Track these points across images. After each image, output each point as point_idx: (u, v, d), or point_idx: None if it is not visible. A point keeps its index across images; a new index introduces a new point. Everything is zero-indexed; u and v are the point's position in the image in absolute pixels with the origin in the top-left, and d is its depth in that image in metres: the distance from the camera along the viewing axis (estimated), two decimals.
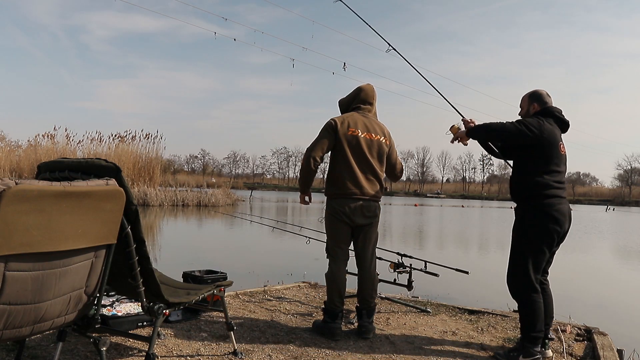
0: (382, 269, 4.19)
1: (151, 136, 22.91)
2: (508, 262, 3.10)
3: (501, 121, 3.04)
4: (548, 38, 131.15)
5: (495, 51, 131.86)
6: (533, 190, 3.01)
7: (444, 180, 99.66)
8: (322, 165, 3.54)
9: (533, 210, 3.02)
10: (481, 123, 3.21)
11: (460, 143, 3.32)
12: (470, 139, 3.26)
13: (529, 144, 2.99)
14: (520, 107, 3.28)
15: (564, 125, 3.17)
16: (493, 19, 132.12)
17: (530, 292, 2.97)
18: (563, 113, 3.17)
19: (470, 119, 3.32)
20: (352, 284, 4.75)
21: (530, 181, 3.01)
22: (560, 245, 3.15)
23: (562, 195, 3.06)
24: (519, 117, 3.23)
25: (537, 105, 3.18)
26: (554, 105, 3.19)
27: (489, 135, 3.19)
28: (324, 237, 4.44)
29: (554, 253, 3.14)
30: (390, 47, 4.39)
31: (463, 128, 3.32)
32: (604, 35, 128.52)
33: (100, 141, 23.04)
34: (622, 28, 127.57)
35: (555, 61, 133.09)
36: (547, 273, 3.25)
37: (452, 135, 3.34)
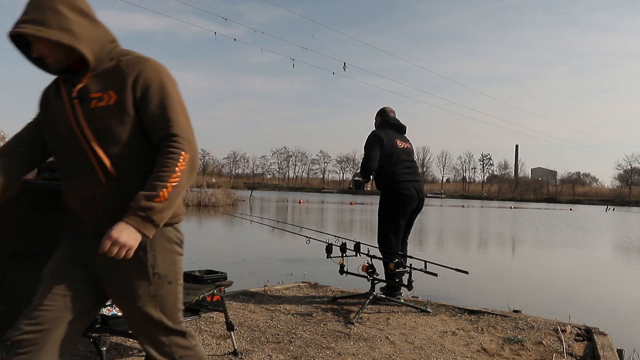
0: (382, 269, 4.19)
1: None
2: (378, 226, 4.32)
3: (368, 145, 4.31)
4: (551, 37, 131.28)
5: (498, 51, 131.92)
6: (389, 179, 4.27)
7: (444, 180, 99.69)
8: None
9: (392, 193, 4.27)
10: (366, 146, 4.37)
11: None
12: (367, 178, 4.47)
13: (383, 152, 4.26)
14: (375, 119, 4.63)
15: (399, 129, 4.51)
16: (496, 18, 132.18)
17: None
18: (400, 122, 4.53)
19: (356, 173, 4.60)
20: (350, 284, 4.77)
21: (384, 173, 4.30)
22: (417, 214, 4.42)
23: (409, 179, 4.29)
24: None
25: (379, 118, 4.57)
26: (396, 117, 4.58)
27: (367, 169, 4.31)
28: (324, 237, 4.46)
29: (409, 222, 4.39)
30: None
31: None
32: (607, 35, 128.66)
33: None
34: (626, 28, 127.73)
35: (559, 61, 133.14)
36: (408, 237, 4.46)
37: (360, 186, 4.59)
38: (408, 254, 4.32)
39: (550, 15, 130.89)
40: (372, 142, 4.30)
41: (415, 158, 4.67)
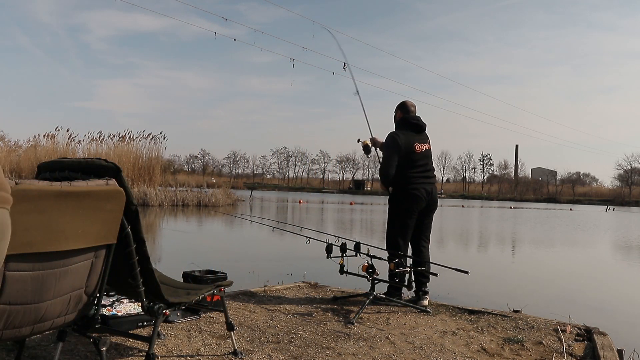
0: (383, 269, 4.19)
1: (153, 136, 22.97)
2: (386, 227, 4.38)
3: (386, 150, 4.33)
4: (552, 37, 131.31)
5: (498, 51, 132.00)
6: (400, 180, 4.27)
7: (444, 180, 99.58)
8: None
9: (400, 193, 4.29)
10: (384, 149, 4.40)
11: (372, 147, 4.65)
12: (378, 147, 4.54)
13: (400, 157, 4.23)
14: (395, 113, 4.51)
15: (419, 129, 4.40)
16: (496, 18, 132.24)
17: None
18: (420, 119, 4.43)
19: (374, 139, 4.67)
20: (350, 284, 4.77)
21: (398, 175, 4.27)
22: (432, 214, 4.49)
23: (420, 182, 4.29)
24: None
25: (400, 112, 4.45)
26: (416, 112, 4.47)
27: (386, 176, 4.30)
28: (324, 237, 4.46)
29: (423, 222, 4.40)
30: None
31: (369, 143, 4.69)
32: (608, 34, 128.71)
33: (100, 141, 23.07)
34: (627, 27, 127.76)
35: (559, 61, 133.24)
36: (428, 239, 4.52)
37: (365, 144, 4.68)
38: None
39: (551, 15, 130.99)
40: (390, 147, 4.29)
41: (433, 157, 4.63)
